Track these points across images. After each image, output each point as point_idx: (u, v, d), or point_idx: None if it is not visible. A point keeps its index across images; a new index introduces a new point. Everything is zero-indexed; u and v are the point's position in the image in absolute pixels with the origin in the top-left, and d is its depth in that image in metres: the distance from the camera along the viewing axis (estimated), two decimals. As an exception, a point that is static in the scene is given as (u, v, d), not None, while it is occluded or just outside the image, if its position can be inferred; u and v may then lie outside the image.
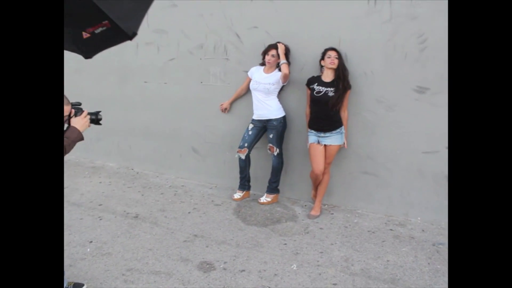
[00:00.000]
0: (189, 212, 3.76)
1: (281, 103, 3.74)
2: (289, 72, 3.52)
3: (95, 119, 2.10)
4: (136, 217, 3.67)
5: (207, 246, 3.17)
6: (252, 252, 3.09)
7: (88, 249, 3.12)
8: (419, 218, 3.56)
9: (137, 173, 4.81)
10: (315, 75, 3.50)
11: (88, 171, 4.88)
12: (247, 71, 3.83)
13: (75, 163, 5.17)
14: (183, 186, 4.41)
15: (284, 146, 3.85)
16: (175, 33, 4.17)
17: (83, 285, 2.59)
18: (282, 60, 3.44)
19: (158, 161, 4.68)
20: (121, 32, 1.53)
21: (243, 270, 2.85)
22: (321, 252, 3.09)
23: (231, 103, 4.07)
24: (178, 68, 4.28)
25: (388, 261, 2.99)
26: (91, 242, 3.23)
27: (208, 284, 2.70)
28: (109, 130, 4.91)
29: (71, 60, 4.95)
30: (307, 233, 3.38)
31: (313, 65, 3.55)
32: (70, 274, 2.77)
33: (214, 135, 4.26)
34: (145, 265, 2.91)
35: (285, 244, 3.21)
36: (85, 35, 1.56)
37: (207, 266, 2.91)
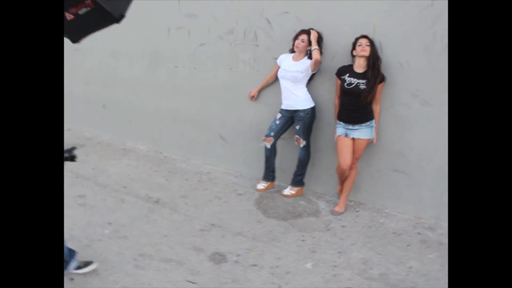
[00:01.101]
0: (210, 200, 3.73)
1: (310, 93, 3.60)
2: (321, 59, 3.37)
3: (69, 156, 2.02)
4: (157, 202, 3.69)
5: (222, 237, 3.12)
6: (268, 246, 3.00)
7: (106, 231, 3.17)
8: (452, 223, 3.29)
9: (165, 157, 4.84)
10: (347, 64, 3.31)
11: (118, 152, 4.98)
12: (276, 58, 3.70)
13: (108, 144, 5.30)
14: (208, 173, 4.39)
15: (312, 138, 3.71)
16: (206, 17, 4.12)
17: (92, 262, 2.64)
18: (314, 46, 3.30)
19: (186, 147, 4.68)
20: (106, 13, 1.44)
21: (255, 265, 2.78)
22: (340, 252, 2.95)
23: (260, 91, 3.97)
24: (208, 53, 4.23)
25: (410, 267, 2.79)
26: (110, 224, 3.28)
27: (217, 277, 2.66)
28: (140, 113, 4.99)
29: (107, 42, 5.07)
30: (328, 230, 3.25)
31: (345, 54, 3.35)
32: (85, 255, 2.82)
33: (242, 123, 4.19)
34: (158, 252, 2.91)
35: (303, 240, 3.09)
36: (69, 16, 1.49)
37: (219, 257, 2.86)
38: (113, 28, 4.88)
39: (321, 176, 3.83)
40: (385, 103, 3.33)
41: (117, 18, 1.53)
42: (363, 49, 3.11)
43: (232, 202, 3.70)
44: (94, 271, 2.64)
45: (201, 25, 4.18)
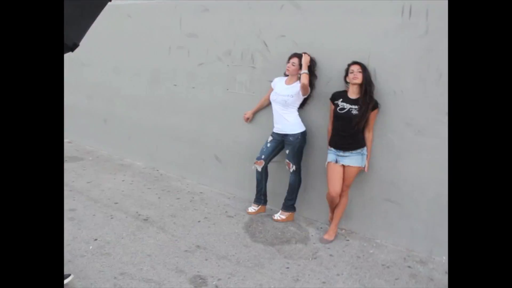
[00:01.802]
0: (199, 221, 3.70)
1: (304, 117, 3.60)
2: (309, 84, 3.37)
3: None
4: (146, 220, 3.67)
5: (206, 259, 3.07)
6: (251, 272, 2.94)
7: (91, 247, 3.15)
8: (444, 258, 3.20)
9: (161, 174, 4.84)
10: (341, 89, 3.30)
11: (115, 168, 5.00)
12: (271, 81, 3.71)
13: (106, 159, 5.33)
14: (201, 193, 4.37)
15: (305, 163, 3.70)
16: (206, 38, 4.17)
17: (69, 275, 2.62)
18: (303, 70, 3.31)
19: (181, 165, 4.70)
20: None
21: (235, 291, 2.71)
22: (324, 282, 2.86)
23: (254, 113, 3.98)
24: (206, 73, 4.27)
25: (396, 302, 2.68)
26: (95, 240, 3.27)
27: (194, 301, 2.59)
28: (139, 129, 5.03)
29: (111, 58, 5.16)
30: (315, 258, 3.17)
31: (340, 79, 3.35)
32: (66, 270, 2.79)
33: (237, 144, 4.19)
34: (139, 271, 2.87)
35: (288, 268, 3.02)
36: None
37: (200, 281, 2.81)
38: (117, 44, 5.01)
39: (313, 202, 3.77)
40: (378, 130, 3.29)
41: (70, 46, 1.49)
42: (355, 77, 3.11)
43: (221, 224, 3.66)
44: (70, 285, 2.59)
45: (201, 45, 4.23)
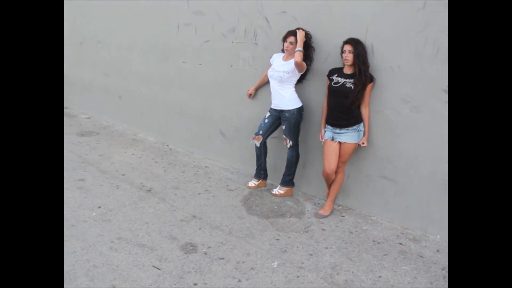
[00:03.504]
0: (199, 193, 3.81)
1: (302, 93, 3.60)
2: (306, 57, 3.37)
3: None
4: (149, 190, 3.81)
5: (200, 229, 3.18)
6: (240, 242, 3.03)
7: (94, 213, 3.33)
8: (438, 236, 3.16)
9: (170, 149, 4.98)
10: (339, 66, 3.29)
11: (128, 142, 5.17)
12: (271, 57, 3.71)
13: (120, 134, 5.52)
14: (206, 167, 4.47)
15: (304, 139, 3.72)
16: (211, 15, 4.19)
17: None
18: (298, 47, 3.28)
19: (189, 140, 4.80)
20: None
21: (223, 258, 2.82)
22: (311, 255, 2.92)
23: (256, 89, 4.01)
24: (211, 50, 4.31)
25: (380, 277, 2.71)
26: (99, 207, 3.44)
27: (182, 266, 2.72)
28: (151, 105, 5.17)
29: (125, 35, 5.29)
30: (306, 232, 3.22)
31: (338, 55, 3.30)
32: (68, 233, 2.98)
33: (240, 119, 4.24)
34: (135, 237, 3.01)
35: (278, 239, 3.09)
36: None
37: (190, 248, 2.92)
38: (130, 22, 5.10)
39: (312, 178, 3.80)
40: (375, 107, 3.26)
41: None
42: (346, 58, 3.09)
43: (220, 197, 3.75)
44: (71, 249, 2.75)
45: (207, 23, 4.26)
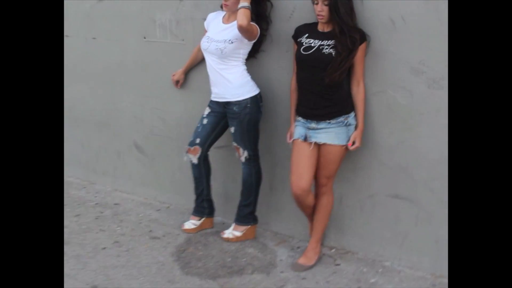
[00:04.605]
0: (103, 248, 3.73)
1: (260, 74, 3.61)
2: (257, 19, 3.37)
3: None
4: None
5: (103, 307, 3.04)
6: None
7: None
8: None
9: (58, 180, 4.76)
10: (311, 22, 3.28)
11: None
12: (205, 19, 3.72)
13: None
14: (116, 204, 4.44)
15: (268, 146, 3.72)
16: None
17: None
18: (242, 2, 3.24)
19: (86, 163, 4.78)
20: None
21: None
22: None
23: (186, 73, 3.99)
24: (111, 14, 4.26)
25: None
26: None
27: None
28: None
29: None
30: (279, 296, 3.17)
31: (309, 8, 3.26)
32: None
33: (165, 123, 4.21)
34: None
35: (233, 313, 3.00)
36: None
37: None
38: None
39: (286, 207, 3.75)
40: (373, 85, 3.24)
41: None
42: (318, 14, 3.08)
43: (138, 251, 3.68)
44: None
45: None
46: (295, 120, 3.34)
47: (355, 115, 3.21)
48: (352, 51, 3.07)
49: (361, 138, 3.24)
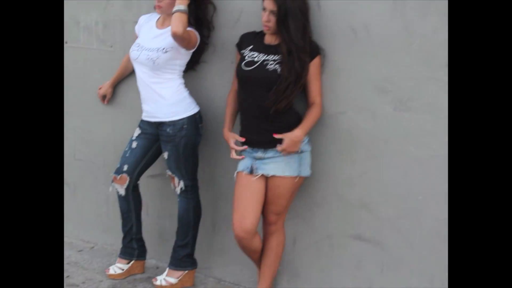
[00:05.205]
0: None
1: (199, 89, 3.53)
2: (190, 30, 3.20)
3: None
4: None
5: None
6: None
7: None
8: None
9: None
10: (258, 30, 3.19)
11: None
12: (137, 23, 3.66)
13: None
14: None
15: (209, 174, 3.61)
16: None
17: None
18: (178, 4, 3.09)
19: None
20: None
21: None
22: None
23: (115, 87, 3.88)
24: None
25: None
26: None
27: None
28: None
29: None
30: None
31: (258, 13, 3.09)
32: None
33: (89, 146, 4.13)
34: None
35: None
36: None
37: None
38: None
39: (230, 248, 3.59)
40: (331, 106, 3.12)
41: None
42: (265, 24, 2.94)
43: None
44: None
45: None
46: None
47: (309, 140, 3.03)
48: (301, 75, 2.93)
49: (294, 142, 2.96)
